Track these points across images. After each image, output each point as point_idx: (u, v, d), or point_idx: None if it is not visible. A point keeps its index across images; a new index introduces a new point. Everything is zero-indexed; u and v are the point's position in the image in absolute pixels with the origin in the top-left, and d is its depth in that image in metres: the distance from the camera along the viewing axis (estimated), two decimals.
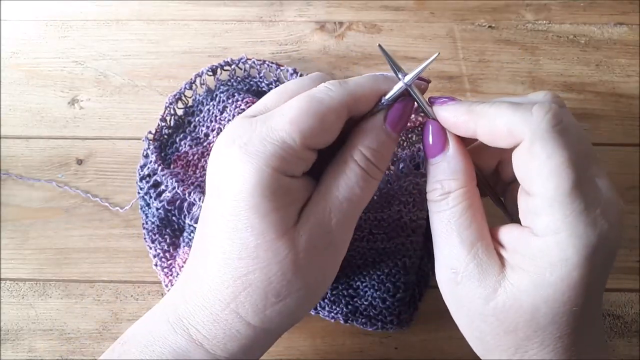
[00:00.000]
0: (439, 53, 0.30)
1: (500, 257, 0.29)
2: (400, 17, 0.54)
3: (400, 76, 0.30)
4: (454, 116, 0.30)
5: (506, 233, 0.29)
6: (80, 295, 0.45)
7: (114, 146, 0.49)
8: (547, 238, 0.27)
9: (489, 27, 0.53)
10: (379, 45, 0.31)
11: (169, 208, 0.42)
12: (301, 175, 0.29)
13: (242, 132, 0.28)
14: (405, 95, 0.31)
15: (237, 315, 0.29)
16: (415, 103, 0.31)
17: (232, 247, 0.28)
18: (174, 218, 0.43)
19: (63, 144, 0.50)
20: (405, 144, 0.44)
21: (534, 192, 0.27)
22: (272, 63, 0.47)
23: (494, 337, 0.29)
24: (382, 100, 0.31)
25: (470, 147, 0.34)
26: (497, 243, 0.30)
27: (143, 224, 0.44)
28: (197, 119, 0.46)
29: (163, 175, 0.42)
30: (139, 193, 0.44)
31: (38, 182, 0.48)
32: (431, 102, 0.31)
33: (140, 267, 0.46)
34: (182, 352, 0.30)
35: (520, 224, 0.29)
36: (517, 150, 0.28)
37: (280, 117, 0.28)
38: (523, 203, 0.29)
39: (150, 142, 0.44)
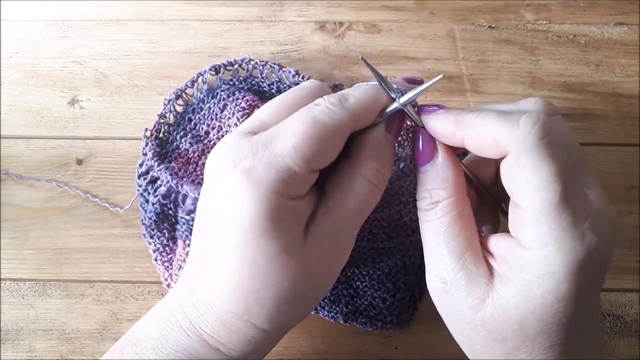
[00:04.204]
0: (442, 75, 0.30)
1: (490, 267, 0.29)
2: (400, 17, 0.54)
3: (394, 96, 0.30)
4: (441, 126, 0.30)
5: (496, 243, 0.29)
6: (80, 295, 0.45)
7: (114, 146, 0.49)
8: (534, 251, 0.27)
9: (489, 27, 0.53)
10: (362, 58, 0.31)
11: (165, 202, 0.42)
12: (307, 193, 0.29)
13: (243, 155, 0.28)
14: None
15: (251, 325, 0.29)
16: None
17: (243, 266, 0.28)
18: (170, 212, 0.43)
19: (63, 144, 0.50)
20: (405, 144, 0.44)
21: (521, 205, 0.27)
22: (274, 64, 0.47)
23: (483, 345, 0.29)
24: (381, 116, 0.31)
25: (470, 154, 0.34)
26: (487, 252, 0.30)
27: (142, 220, 0.44)
28: (197, 116, 0.47)
29: (159, 170, 0.42)
30: (138, 190, 0.44)
31: (38, 182, 0.48)
32: (420, 110, 0.31)
33: (140, 267, 0.46)
34: (198, 354, 0.30)
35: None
36: (504, 161, 0.28)
37: (284, 142, 0.27)
38: (512, 214, 0.28)
39: (148, 139, 0.44)
